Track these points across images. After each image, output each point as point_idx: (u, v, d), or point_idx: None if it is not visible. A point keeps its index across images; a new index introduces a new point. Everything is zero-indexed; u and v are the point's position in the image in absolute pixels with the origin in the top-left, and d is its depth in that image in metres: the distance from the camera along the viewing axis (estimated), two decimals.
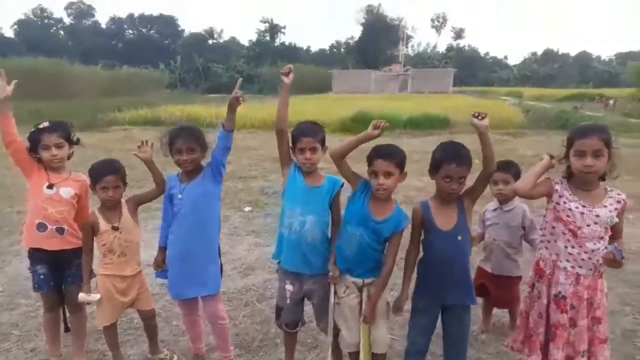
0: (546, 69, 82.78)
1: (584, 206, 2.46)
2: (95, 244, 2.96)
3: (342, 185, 2.80)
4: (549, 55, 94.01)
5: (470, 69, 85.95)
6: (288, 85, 2.82)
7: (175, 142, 2.87)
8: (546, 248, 2.59)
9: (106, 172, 2.86)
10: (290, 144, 2.81)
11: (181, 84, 64.73)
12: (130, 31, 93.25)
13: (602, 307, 2.52)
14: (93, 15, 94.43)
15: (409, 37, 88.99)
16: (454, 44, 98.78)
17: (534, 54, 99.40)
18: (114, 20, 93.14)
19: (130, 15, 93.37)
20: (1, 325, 3.75)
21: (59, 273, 3.01)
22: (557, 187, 2.55)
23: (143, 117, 19.69)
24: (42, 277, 2.99)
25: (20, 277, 4.56)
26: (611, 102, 32.89)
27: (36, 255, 2.98)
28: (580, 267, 2.47)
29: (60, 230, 2.94)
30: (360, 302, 2.73)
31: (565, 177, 2.60)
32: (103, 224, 2.90)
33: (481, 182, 2.61)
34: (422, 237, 2.68)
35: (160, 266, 3.06)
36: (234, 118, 2.90)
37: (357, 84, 51.62)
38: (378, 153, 2.55)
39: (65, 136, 2.96)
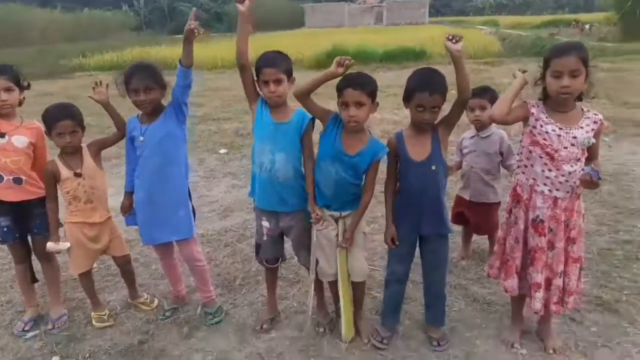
0: None
1: (560, 128, 2.41)
2: (59, 192, 2.87)
3: (312, 120, 2.68)
4: None
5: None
6: (245, 14, 2.61)
7: (130, 81, 2.70)
8: (523, 173, 2.56)
9: (61, 117, 2.71)
10: (255, 77, 2.66)
11: (147, 25, 61.83)
12: None
13: (578, 227, 2.53)
14: None
15: None
16: None
17: None
18: None
19: None
20: None
21: (24, 224, 2.92)
22: (533, 110, 2.48)
23: (109, 61, 18.89)
24: (5, 229, 2.89)
25: None
26: (587, 26, 32.61)
27: None
28: (557, 190, 2.45)
29: (17, 181, 2.81)
30: (337, 234, 2.70)
31: (540, 99, 2.54)
32: (64, 171, 2.79)
33: (456, 109, 2.52)
34: (399, 167, 2.62)
35: (127, 211, 2.97)
36: (191, 52, 2.71)
37: (331, 17, 50.08)
38: (348, 82, 2.43)
39: (14, 80, 2.78)
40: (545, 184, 2.47)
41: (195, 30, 2.58)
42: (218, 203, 5.10)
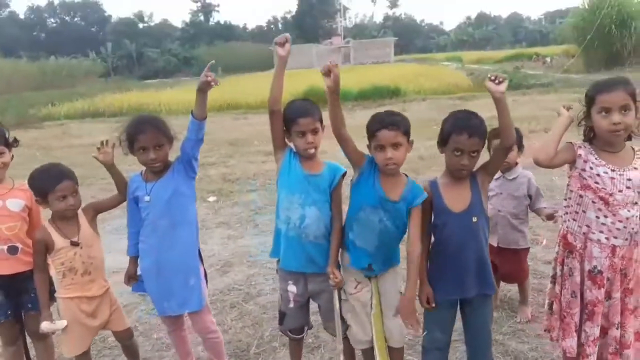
0: (481, 32, 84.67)
1: (613, 170, 2.24)
2: (50, 263, 2.54)
3: (344, 175, 2.46)
4: (483, 19, 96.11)
5: (408, 37, 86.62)
6: (285, 59, 2.43)
7: (137, 138, 2.45)
8: (574, 220, 2.36)
9: (60, 178, 2.42)
10: (284, 128, 2.45)
11: (115, 72, 61.58)
12: (52, 20, 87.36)
13: (636, 277, 2.33)
14: (8, 6, 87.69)
15: (345, 9, 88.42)
16: (390, 13, 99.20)
17: (468, 17, 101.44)
18: (32, 9, 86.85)
19: (50, 3, 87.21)
20: None
21: (16, 299, 2.60)
22: (581, 151, 2.31)
23: (80, 109, 18.47)
24: None
25: None
26: (548, 59, 34.03)
27: None
28: (615, 237, 2.25)
29: (12, 250, 2.51)
30: (372, 296, 2.46)
31: (586, 140, 2.38)
32: (59, 240, 2.47)
33: (499, 155, 2.33)
34: (432, 220, 2.37)
35: (133, 279, 2.68)
36: (205, 104, 2.49)
37: (299, 59, 50.61)
38: (382, 123, 2.23)
39: (3, 141, 2.55)
40: (601, 231, 2.27)
41: (212, 82, 2.38)
42: (215, 257, 4.76)
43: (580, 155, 2.31)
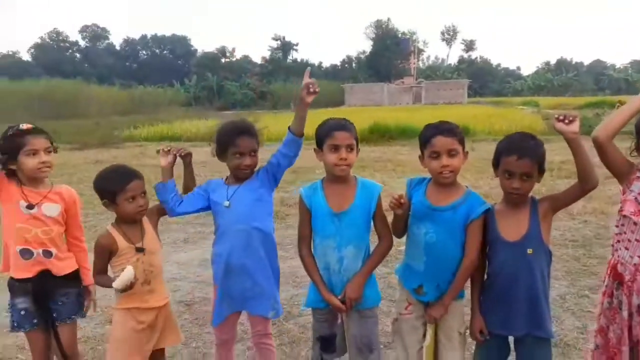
0: (561, 78, 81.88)
1: None
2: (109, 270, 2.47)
3: (379, 193, 2.37)
4: (563, 65, 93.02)
5: (482, 80, 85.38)
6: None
7: (234, 142, 2.43)
8: (626, 249, 2.20)
9: (130, 177, 2.36)
10: (317, 146, 2.40)
11: (196, 102, 65.15)
12: (144, 52, 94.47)
13: None
14: (107, 38, 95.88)
15: (420, 51, 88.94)
16: (465, 56, 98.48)
17: (547, 63, 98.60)
18: (127, 41, 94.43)
19: (144, 37, 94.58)
20: (7, 348, 3.48)
21: (44, 307, 2.46)
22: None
23: (159, 133, 19.69)
24: (22, 313, 2.44)
25: None
26: None
27: (17, 286, 2.45)
28: None
29: (47, 254, 2.44)
30: (425, 326, 2.38)
31: None
32: (123, 244, 2.37)
33: (574, 194, 2.15)
34: (487, 249, 2.29)
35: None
36: (304, 118, 2.39)
37: (370, 96, 51.51)
38: (437, 130, 2.20)
39: (51, 141, 2.48)
40: None
41: (312, 88, 2.29)
42: None
43: (638, 176, 2.18)
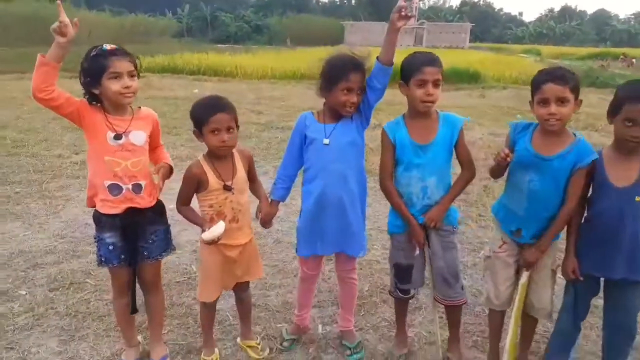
0: (563, 26, 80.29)
1: None
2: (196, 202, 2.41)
3: (461, 127, 2.38)
4: (566, 12, 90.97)
5: (484, 25, 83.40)
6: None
7: (347, 77, 2.30)
8: None
9: (215, 109, 2.26)
10: (402, 80, 2.35)
11: (188, 33, 63.10)
12: None
13: None
14: None
15: None
16: None
17: (551, 10, 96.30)
18: None
19: None
20: (74, 272, 3.48)
21: (132, 243, 2.38)
22: None
23: (160, 65, 18.95)
24: (111, 247, 2.34)
25: (78, 223, 4.31)
26: (634, 60, 31.96)
27: (105, 220, 2.32)
28: None
29: (137, 188, 2.31)
30: (518, 266, 2.43)
31: None
32: (213, 180, 2.32)
33: None
34: (590, 193, 2.30)
35: (269, 223, 2.59)
36: (394, 44, 2.26)
37: (370, 36, 50.14)
38: (548, 76, 2.14)
39: (136, 65, 2.27)
40: None
41: (404, 10, 2.14)
42: None
43: None
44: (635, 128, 2.07)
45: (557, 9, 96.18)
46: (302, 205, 2.56)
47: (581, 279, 2.29)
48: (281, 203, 2.61)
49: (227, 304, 3.05)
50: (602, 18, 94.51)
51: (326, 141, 2.41)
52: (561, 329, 2.46)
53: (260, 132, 8.41)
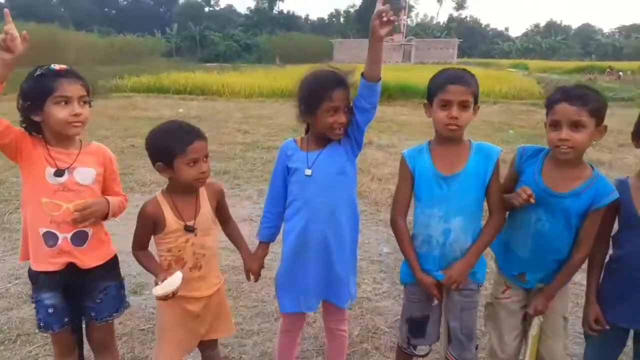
0: (549, 41, 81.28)
1: None
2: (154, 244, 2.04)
3: (497, 159, 1.98)
4: (551, 27, 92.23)
5: (471, 40, 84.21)
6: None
7: (328, 95, 1.96)
8: None
9: (192, 136, 1.91)
10: (427, 100, 2.02)
11: (177, 52, 63.01)
12: None
13: None
14: None
15: (410, 7, 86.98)
16: (455, 14, 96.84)
17: (537, 25, 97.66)
18: None
19: None
20: (24, 322, 3.04)
21: (77, 302, 2.00)
22: None
23: (146, 84, 18.70)
24: (50, 310, 1.95)
25: None
26: (621, 74, 32.16)
27: (42, 278, 1.93)
28: None
29: (79, 238, 1.92)
30: (525, 313, 2.08)
31: None
32: (172, 220, 1.96)
33: None
34: (616, 230, 1.96)
35: (259, 273, 2.24)
36: (380, 58, 1.92)
37: (358, 53, 50.35)
38: (563, 95, 1.80)
39: (88, 90, 1.92)
40: None
41: (386, 15, 1.80)
42: None
43: None
44: None
45: (542, 24, 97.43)
46: (282, 247, 2.19)
47: (607, 327, 1.94)
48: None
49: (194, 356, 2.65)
50: (586, 32, 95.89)
51: (308, 172, 2.06)
52: None
53: (245, 152, 8.06)
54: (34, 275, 1.95)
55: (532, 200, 1.82)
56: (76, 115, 1.83)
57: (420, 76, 18.94)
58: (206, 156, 1.95)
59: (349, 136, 2.09)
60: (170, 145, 1.89)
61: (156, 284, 1.88)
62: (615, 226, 1.97)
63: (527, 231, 1.96)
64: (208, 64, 41.78)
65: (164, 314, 2.04)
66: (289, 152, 2.14)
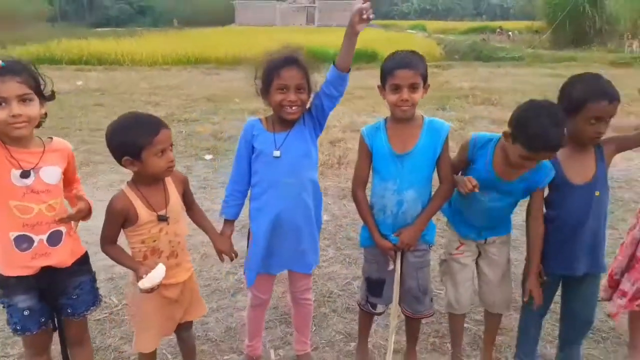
0: (445, 1, 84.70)
1: None
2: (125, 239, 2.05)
3: (446, 137, 2.18)
4: None
5: (371, 2, 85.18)
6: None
7: (278, 74, 2.07)
8: None
9: (157, 127, 1.90)
10: (381, 83, 2.19)
11: (62, 17, 57.55)
12: None
13: None
14: None
15: None
16: None
17: None
18: None
19: None
20: None
21: (51, 301, 1.97)
22: None
23: (34, 54, 16.88)
24: (26, 313, 1.89)
25: None
26: (510, 34, 34.48)
27: (13, 283, 1.87)
28: None
29: (56, 238, 1.90)
30: (476, 265, 2.39)
31: None
32: (144, 212, 1.95)
33: None
34: (548, 192, 2.25)
35: (231, 253, 2.28)
36: (352, 50, 2.05)
37: (262, 15, 49.39)
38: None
39: (32, 84, 1.79)
40: None
41: (366, 13, 1.91)
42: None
43: None
44: (600, 125, 2.05)
45: None
46: (251, 225, 2.27)
47: (545, 279, 2.25)
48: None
49: (162, 340, 2.67)
50: None
51: (277, 153, 2.14)
52: (525, 328, 2.45)
53: None
54: (3, 280, 1.86)
55: (477, 190, 2.07)
56: (14, 116, 1.72)
57: (328, 40, 19.10)
58: (171, 144, 1.96)
59: (313, 118, 2.20)
60: (136, 138, 1.88)
61: (139, 278, 1.88)
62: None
63: (480, 208, 2.23)
64: (100, 29, 38.65)
65: (143, 303, 2.04)
66: (254, 132, 2.20)
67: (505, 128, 2.09)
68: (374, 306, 2.43)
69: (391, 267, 2.30)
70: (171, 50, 18.43)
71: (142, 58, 17.43)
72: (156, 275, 1.87)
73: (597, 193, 2.14)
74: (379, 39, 24.23)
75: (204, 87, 12.29)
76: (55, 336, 2.10)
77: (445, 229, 2.53)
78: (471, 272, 2.41)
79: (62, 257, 1.91)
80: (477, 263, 2.40)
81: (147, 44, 20.61)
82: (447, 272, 2.44)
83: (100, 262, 3.42)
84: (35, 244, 1.84)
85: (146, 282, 1.86)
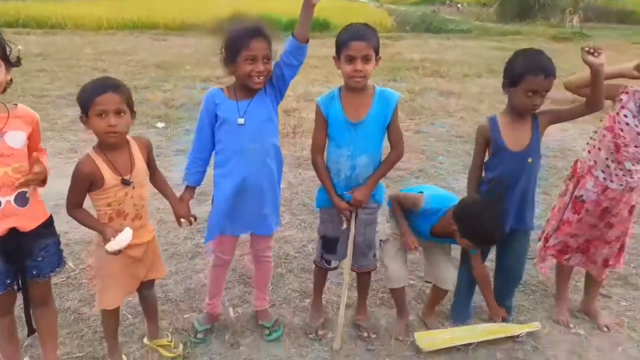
0: None
1: None
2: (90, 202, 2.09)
3: (396, 105, 2.34)
4: None
5: None
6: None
7: (248, 45, 2.12)
8: (589, 152, 2.56)
9: (102, 89, 1.95)
10: (335, 54, 2.31)
11: None
12: None
13: (620, 216, 2.54)
14: None
15: None
16: None
17: None
18: None
19: None
20: None
21: (17, 263, 2.00)
22: (624, 97, 2.41)
23: None
24: None
25: None
26: (459, 6, 35.00)
27: None
28: (611, 181, 2.46)
29: (21, 200, 1.92)
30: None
31: None
32: (109, 176, 2.01)
33: (575, 114, 2.41)
34: (487, 157, 2.48)
35: (190, 217, 2.37)
36: (310, 21, 2.17)
37: None
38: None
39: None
40: (602, 171, 2.48)
41: None
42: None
43: (621, 99, 2.42)
44: (536, 97, 2.26)
45: None
46: (214, 191, 2.36)
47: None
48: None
49: (123, 302, 2.75)
50: None
51: (241, 121, 2.23)
52: (463, 280, 2.68)
53: None
54: None
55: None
56: None
57: (278, 7, 18.84)
58: (120, 111, 1.98)
59: (274, 87, 2.29)
60: (84, 97, 1.97)
61: (107, 240, 1.97)
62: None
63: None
64: None
65: (108, 262, 2.11)
66: (217, 100, 2.27)
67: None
68: (328, 262, 2.62)
69: (345, 225, 2.47)
70: (116, 14, 17.67)
71: (86, 22, 16.64)
72: (123, 238, 1.97)
73: (530, 160, 2.38)
74: (332, 7, 24.07)
75: (153, 54, 11.94)
76: (19, 299, 2.14)
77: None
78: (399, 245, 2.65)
79: (28, 219, 1.95)
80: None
81: (89, 6, 19.61)
82: (389, 251, 2.63)
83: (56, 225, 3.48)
84: (2, 205, 1.88)
85: (114, 244, 1.95)
